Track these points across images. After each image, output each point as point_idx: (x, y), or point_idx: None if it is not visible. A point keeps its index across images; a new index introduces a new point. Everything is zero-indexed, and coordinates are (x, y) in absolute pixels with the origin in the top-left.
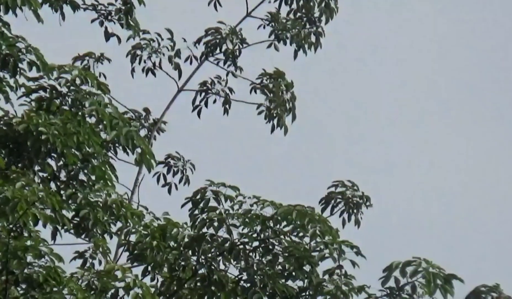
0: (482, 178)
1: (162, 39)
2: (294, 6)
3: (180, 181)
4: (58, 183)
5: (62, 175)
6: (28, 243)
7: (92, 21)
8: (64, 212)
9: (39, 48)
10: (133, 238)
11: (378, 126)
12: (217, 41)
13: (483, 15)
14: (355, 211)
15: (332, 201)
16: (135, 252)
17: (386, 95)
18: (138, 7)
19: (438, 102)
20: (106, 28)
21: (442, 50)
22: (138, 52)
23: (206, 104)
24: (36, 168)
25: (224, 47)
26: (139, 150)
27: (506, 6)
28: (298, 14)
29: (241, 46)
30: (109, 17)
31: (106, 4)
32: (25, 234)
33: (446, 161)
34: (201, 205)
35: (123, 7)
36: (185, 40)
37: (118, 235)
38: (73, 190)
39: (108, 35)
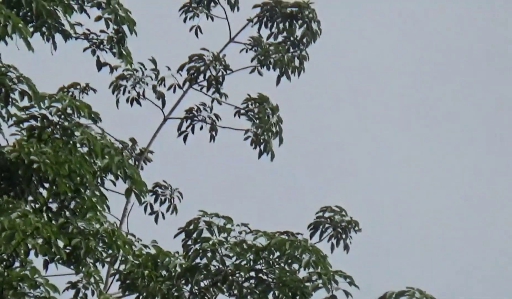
0: (474, 200)
1: (146, 69)
2: (274, 29)
3: (167, 210)
4: (50, 214)
5: (54, 205)
6: (23, 273)
7: (84, 50)
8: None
9: (31, 77)
10: (124, 267)
11: (365, 148)
12: (201, 68)
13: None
14: (343, 236)
15: (321, 226)
16: (127, 281)
17: (375, 115)
18: (130, 36)
19: (428, 122)
20: (98, 57)
21: (432, 71)
22: (122, 82)
23: (192, 131)
24: (29, 197)
25: (208, 74)
26: (130, 179)
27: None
28: (281, 37)
29: (224, 73)
30: (101, 46)
31: (98, 33)
32: (17, 264)
33: (437, 181)
34: (194, 235)
35: (115, 36)
36: (169, 69)
37: (110, 263)
38: (65, 219)
39: (100, 65)
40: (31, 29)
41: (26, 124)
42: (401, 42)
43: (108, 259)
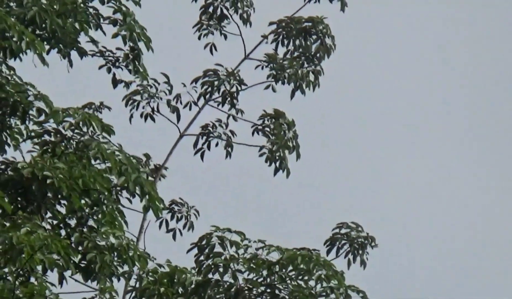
0: (489, 217)
1: (159, 84)
2: (290, 46)
3: (184, 227)
4: (69, 230)
5: (72, 222)
6: (35, 288)
7: (100, 67)
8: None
9: (48, 94)
10: (139, 283)
11: (383, 163)
12: (215, 82)
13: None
14: (360, 251)
15: (337, 243)
16: (143, 298)
17: (393, 129)
18: (146, 53)
19: (450, 136)
20: (114, 74)
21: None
22: (136, 98)
23: (208, 148)
24: (47, 214)
25: (222, 89)
26: (147, 196)
27: None
28: (296, 53)
29: (239, 88)
30: (117, 64)
31: (114, 50)
32: (33, 280)
33: (455, 199)
34: (207, 250)
35: (131, 54)
36: (184, 85)
37: (125, 277)
38: (81, 234)
39: (115, 82)
40: (47, 47)
41: (40, 139)
42: (416, 53)
43: (124, 274)
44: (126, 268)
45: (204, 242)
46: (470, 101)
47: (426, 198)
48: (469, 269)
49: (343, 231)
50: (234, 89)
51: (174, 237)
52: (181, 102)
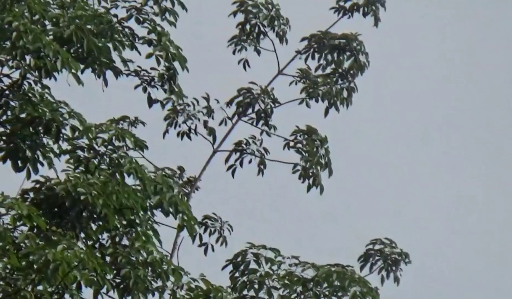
0: None
1: (198, 104)
2: (322, 61)
3: (217, 241)
4: (103, 250)
5: (105, 241)
6: None
7: (136, 87)
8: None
9: (82, 114)
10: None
11: (417, 179)
12: (249, 101)
13: None
14: (393, 268)
15: (371, 259)
16: None
17: (427, 146)
18: (181, 72)
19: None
20: (149, 94)
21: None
22: (173, 116)
23: (241, 164)
24: (81, 234)
25: (256, 107)
26: (181, 215)
27: None
28: (329, 68)
29: (273, 106)
30: (152, 83)
31: (149, 70)
32: (67, 297)
33: (486, 213)
34: (242, 267)
35: (166, 73)
36: (218, 102)
37: (159, 292)
38: (115, 250)
39: (151, 102)
40: (82, 66)
41: (72, 155)
42: (451, 69)
43: (158, 289)
44: (160, 283)
45: (239, 259)
46: None
47: (458, 212)
48: (502, 281)
49: (376, 247)
50: (268, 107)
51: (205, 252)
52: (213, 118)
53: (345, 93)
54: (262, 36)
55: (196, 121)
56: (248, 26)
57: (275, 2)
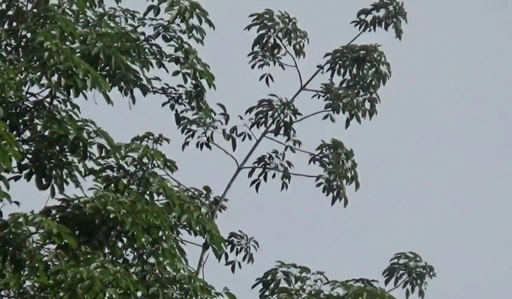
0: None
1: (215, 114)
2: (347, 76)
3: (243, 259)
4: (126, 266)
5: (130, 257)
6: None
7: (163, 104)
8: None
9: (109, 131)
10: None
11: (440, 192)
12: (269, 112)
13: None
14: (418, 281)
15: (396, 273)
16: None
17: (450, 158)
18: (208, 90)
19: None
20: (176, 111)
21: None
22: (192, 127)
23: (265, 179)
24: (106, 249)
25: (277, 119)
26: (208, 234)
27: None
28: (352, 82)
29: (294, 118)
30: (180, 101)
31: (176, 87)
32: None
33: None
34: (272, 286)
35: (193, 91)
36: (241, 118)
37: None
38: (142, 268)
39: (179, 119)
40: (110, 84)
41: (102, 174)
42: (473, 79)
43: None
44: None
45: (269, 278)
46: None
47: (482, 225)
48: None
49: (401, 261)
50: (288, 119)
51: (233, 269)
52: (236, 134)
53: (367, 105)
54: (277, 49)
55: (214, 130)
56: (264, 40)
57: (291, 16)
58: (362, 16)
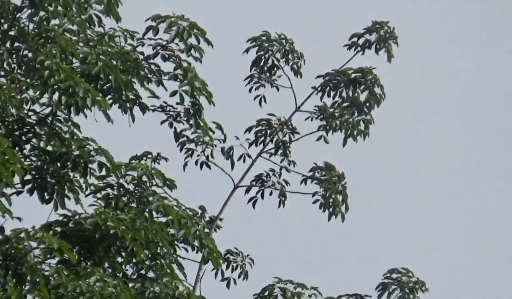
0: None
1: (213, 133)
2: (337, 98)
3: (239, 276)
4: (126, 280)
5: (129, 272)
6: None
7: (162, 122)
8: None
9: (109, 148)
10: None
11: (431, 210)
12: (268, 131)
13: None
14: (411, 296)
15: (388, 287)
16: None
17: (441, 177)
18: (208, 106)
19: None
20: (175, 129)
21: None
22: (191, 146)
23: (262, 196)
24: (106, 264)
25: (275, 138)
26: (207, 249)
27: None
28: (344, 104)
29: (292, 137)
30: (178, 118)
31: (175, 105)
32: None
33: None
34: None
35: (192, 108)
36: (237, 138)
37: None
38: (142, 284)
39: (177, 136)
40: (110, 101)
41: (103, 193)
42: (465, 100)
43: None
44: None
45: (266, 293)
46: None
47: (471, 241)
48: None
49: (394, 276)
50: (286, 138)
51: (228, 286)
52: (232, 154)
53: (362, 126)
54: (275, 69)
55: (213, 148)
56: (262, 61)
57: (288, 37)
58: (355, 39)
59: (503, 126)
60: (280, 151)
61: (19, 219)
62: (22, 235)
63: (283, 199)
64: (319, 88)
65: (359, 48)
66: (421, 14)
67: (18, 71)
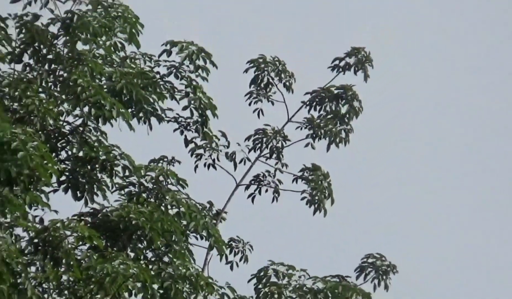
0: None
1: (219, 140)
2: (322, 111)
3: (240, 259)
4: (146, 261)
5: (148, 256)
6: None
7: (174, 130)
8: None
9: (131, 153)
10: None
11: (402, 202)
12: (264, 139)
13: None
14: (384, 277)
15: (365, 270)
16: None
17: (415, 177)
18: (212, 119)
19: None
20: (185, 136)
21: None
22: (200, 151)
23: (259, 193)
24: (128, 250)
25: (270, 145)
26: (213, 238)
27: None
28: (329, 116)
29: (284, 144)
30: (188, 127)
31: (185, 117)
32: None
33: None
34: (264, 280)
35: (199, 119)
36: (239, 144)
37: None
38: (158, 267)
39: (187, 142)
40: (131, 113)
41: (126, 190)
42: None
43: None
44: (195, 294)
45: (262, 274)
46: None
47: (438, 229)
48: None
49: (370, 260)
50: (279, 144)
51: (231, 268)
52: (235, 158)
53: (343, 134)
54: (270, 86)
55: (218, 152)
56: (259, 79)
57: (281, 59)
58: (337, 62)
59: (467, 130)
60: (274, 155)
61: (56, 211)
62: (58, 225)
63: (276, 195)
64: (308, 103)
65: (340, 70)
66: (395, 35)
67: (55, 88)
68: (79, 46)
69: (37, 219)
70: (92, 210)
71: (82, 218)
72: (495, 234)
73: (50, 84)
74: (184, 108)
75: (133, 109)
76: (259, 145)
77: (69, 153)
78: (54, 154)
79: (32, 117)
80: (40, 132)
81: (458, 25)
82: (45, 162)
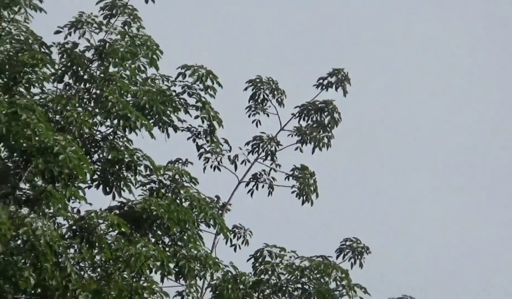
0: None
1: (222, 145)
2: (309, 121)
3: (242, 243)
4: (164, 245)
5: (166, 240)
6: (146, 284)
7: (188, 139)
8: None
9: (152, 156)
10: (215, 282)
11: (377, 195)
12: (260, 144)
13: None
14: (359, 257)
15: (344, 251)
16: (217, 292)
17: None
18: (218, 128)
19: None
20: (197, 143)
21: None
22: (207, 155)
23: (257, 188)
24: (150, 235)
25: (266, 149)
26: (219, 226)
27: None
28: (314, 125)
29: (277, 148)
30: (199, 136)
31: (197, 127)
32: (143, 279)
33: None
34: (260, 259)
35: (208, 129)
36: (240, 149)
37: (204, 278)
38: (174, 249)
39: (198, 148)
40: (152, 124)
41: (147, 186)
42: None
43: (204, 275)
44: (204, 271)
45: (258, 254)
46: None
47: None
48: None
49: (347, 243)
50: (273, 148)
51: (235, 250)
52: (237, 160)
53: (326, 140)
54: (266, 101)
55: (222, 156)
56: (257, 96)
57: (274, 79)
58: (321, 81)
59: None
60: (269, 157)
61: (90, 204)
62: (92, 215)
63: (271, 190)
64: (297, 114)
65: (323, 87)
66: (373, 53)
67: (90, 103)
68: (110, 68)
69: (75, 210)
70: (119, 203)
71: (112, 209)
72: (481, 215)
73: (85, 100)
74: (196, 117)
75: (153, 120)
76: (257, 149)
77: (100, 156)
78: (88, 157)
79: (71, 127)
80: (77, 139)
81: (437, 38)
82: (81, 163)
